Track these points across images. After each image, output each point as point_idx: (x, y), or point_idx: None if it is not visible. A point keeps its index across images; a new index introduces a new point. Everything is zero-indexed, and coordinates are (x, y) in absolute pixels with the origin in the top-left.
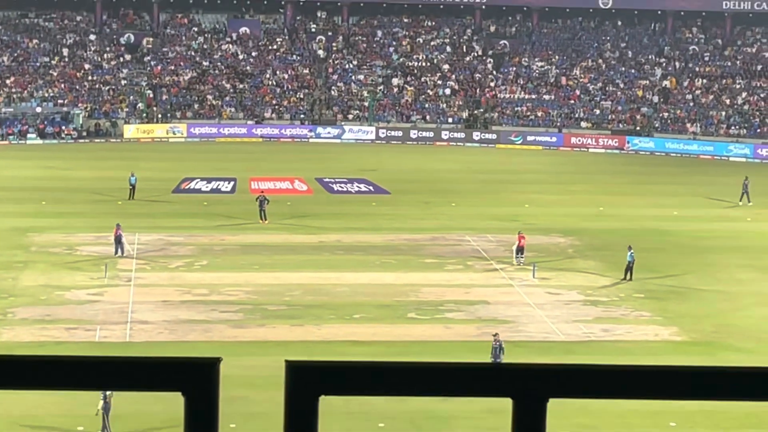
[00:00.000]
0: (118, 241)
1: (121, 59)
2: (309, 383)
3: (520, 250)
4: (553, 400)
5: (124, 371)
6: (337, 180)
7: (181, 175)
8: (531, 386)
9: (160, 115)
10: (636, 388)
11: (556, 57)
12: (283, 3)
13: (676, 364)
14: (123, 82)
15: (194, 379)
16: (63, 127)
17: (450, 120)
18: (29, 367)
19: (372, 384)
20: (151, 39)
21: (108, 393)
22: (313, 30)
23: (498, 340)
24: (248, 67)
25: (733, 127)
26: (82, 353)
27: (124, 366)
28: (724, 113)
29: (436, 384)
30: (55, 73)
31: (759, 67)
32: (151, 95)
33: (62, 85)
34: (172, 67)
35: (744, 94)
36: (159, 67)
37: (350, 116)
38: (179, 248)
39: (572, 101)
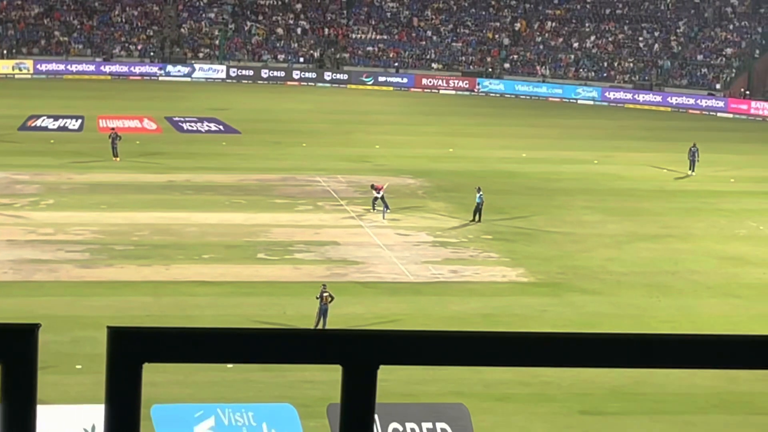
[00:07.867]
0: None
1: None
2: (131, 350)
3: (379, 198)
4: None
5: None
6: (187, 119)
7: (27, 113)
8: (361, 353)
9: (5, 51)
10: (469, 354)
11: None
12: None
13: (506, 330)
14: None
15: (12, 346)
16: None
17: (301, 60)
18: None
19: (196, 351)
20: None
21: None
22: None
23: (327, 291)
24: (96, 4)
25: (581, 70)
26: None
27: None
28: (573, 56)
29: (264, 351)
30: None
31: (608, 11)
32: None
33: None
34: (19, 2)
35: (593, 38)
36: (5, 2)
37: (200, 54)
38: (25, 187)
39: (423, 42)
